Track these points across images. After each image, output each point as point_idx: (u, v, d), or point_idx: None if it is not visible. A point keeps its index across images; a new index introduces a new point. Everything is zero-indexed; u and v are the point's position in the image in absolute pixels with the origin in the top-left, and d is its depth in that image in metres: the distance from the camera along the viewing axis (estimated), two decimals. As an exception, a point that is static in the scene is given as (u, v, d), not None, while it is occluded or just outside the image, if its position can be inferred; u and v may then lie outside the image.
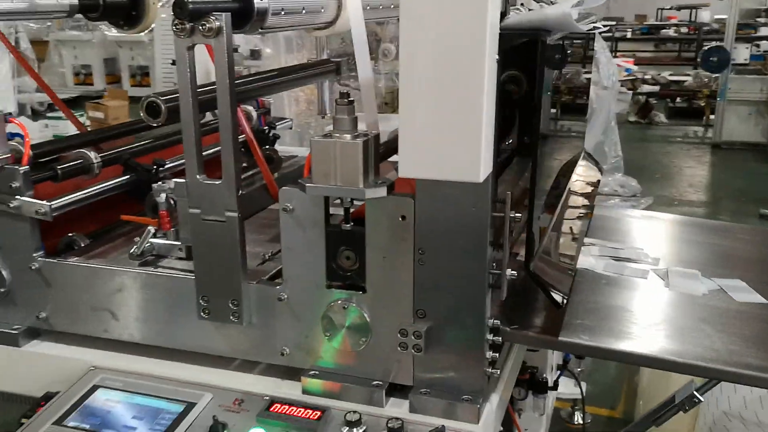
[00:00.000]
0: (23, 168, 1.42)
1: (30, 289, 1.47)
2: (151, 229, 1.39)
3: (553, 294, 1.25)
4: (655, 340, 1.29)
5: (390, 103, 6.83)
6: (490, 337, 1.23)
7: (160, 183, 1.39)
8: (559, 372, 2.41)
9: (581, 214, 1.63)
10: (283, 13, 1.35)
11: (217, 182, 1.27)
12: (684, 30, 17.50)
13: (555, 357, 2.48)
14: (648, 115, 10.72)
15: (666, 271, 1.55)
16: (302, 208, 1.25)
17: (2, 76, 9.78)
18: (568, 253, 1.44)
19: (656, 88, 11.10)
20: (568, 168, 1.81)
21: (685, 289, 1.48)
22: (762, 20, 11.61)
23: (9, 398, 1.52)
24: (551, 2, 1.48)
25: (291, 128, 2.64)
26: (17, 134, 1.48)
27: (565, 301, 1.27)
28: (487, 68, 1.04)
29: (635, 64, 11.90)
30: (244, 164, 1.78)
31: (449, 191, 1.13)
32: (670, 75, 11.74)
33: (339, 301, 1.27)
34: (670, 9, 19.71)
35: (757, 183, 7.42)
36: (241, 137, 1.48)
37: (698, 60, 12.07)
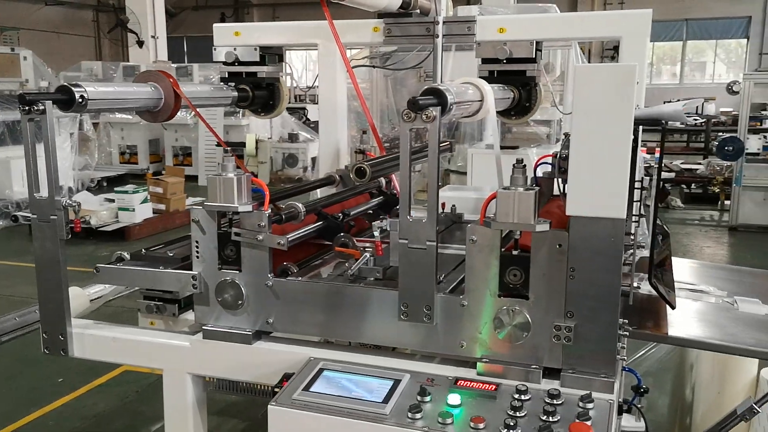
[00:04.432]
0: (266, 212, 1.96)
1: (262, 301, 1.99)
2: (367, 254, 1.92)
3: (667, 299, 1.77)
4: (734, 336, 1.80)
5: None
6: (620, 332, 1.73)
7: (379, 220, 1.93)
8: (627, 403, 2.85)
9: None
10: (458, 102, 1.91)
11: (423, 220, 1.80)
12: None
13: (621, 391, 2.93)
14: (665, 200, 11.33)
15: (734, 299, 2.06)
16: (482, 239, 1.77)
17: (66, 154, 10.54)
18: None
19: (671, 174, 11.78)
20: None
21: (751, 311, 1.99)
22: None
23: (244, 387, 2.01)
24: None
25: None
26: (257, 189, 2.03)
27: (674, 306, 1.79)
28: (628, 145, 1.60)
29: (647, 153, 12.61)
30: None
31: (595, 226, 1.66)
32: (682, 163, 12.49)
33: (507, 306, 1.77)
34: (678, 101, 20.68)
35: (776, 262, 7.92)
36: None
37: (711, 149, 12.87)
